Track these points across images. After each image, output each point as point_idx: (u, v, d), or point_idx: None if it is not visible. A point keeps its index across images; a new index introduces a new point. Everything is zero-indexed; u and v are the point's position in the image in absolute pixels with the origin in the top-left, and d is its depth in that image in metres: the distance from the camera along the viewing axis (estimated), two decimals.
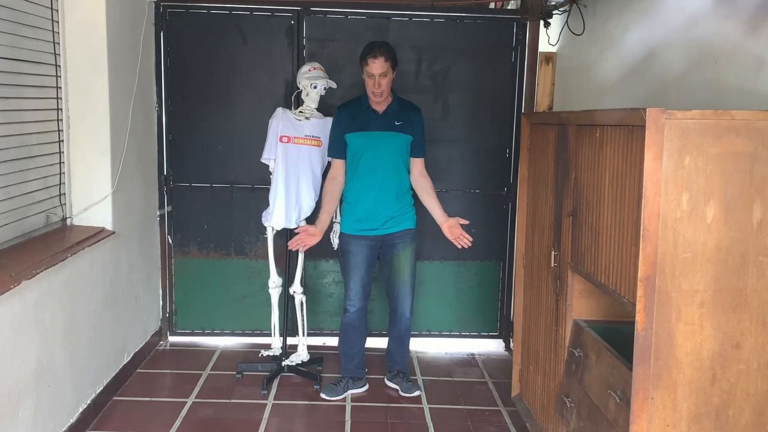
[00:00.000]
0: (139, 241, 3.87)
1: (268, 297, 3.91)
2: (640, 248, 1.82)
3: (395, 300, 3.59)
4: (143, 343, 4.00)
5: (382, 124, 3.43)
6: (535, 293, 2.99)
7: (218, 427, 3.25)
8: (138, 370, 3.85)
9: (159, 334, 4.28)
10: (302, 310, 3.88)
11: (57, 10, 3.13)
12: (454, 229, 3.44)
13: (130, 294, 3.76)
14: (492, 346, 4.42)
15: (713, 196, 1.83)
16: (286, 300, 3.89)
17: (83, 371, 3.16)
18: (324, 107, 3.81)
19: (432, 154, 3.69)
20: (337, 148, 3.53)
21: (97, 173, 3.36)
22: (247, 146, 4.12)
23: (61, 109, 3.20)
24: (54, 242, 2.92)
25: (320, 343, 4.31)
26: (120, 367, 3.63)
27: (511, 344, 3.90)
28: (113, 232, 3.40)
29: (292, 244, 3.51)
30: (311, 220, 3.71)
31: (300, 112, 3.72)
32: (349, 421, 3.36)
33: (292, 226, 3.71)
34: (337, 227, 3.76)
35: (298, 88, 3.76)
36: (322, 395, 3.59)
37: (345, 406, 3.53)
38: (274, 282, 3.85)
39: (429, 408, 3.54)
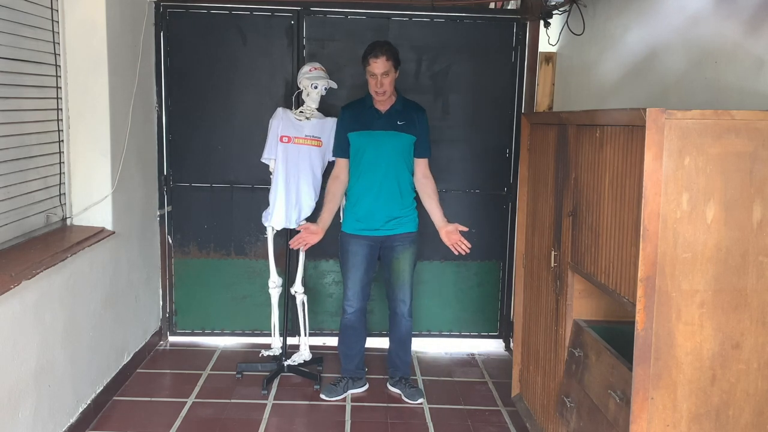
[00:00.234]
0: (139, 241, 3.87)
1: (268, 297, 3.91)
2: (640, 248, 1.82)
3: (394, 302, 3.59)
4: (143, 343, 4.00)
5: (384, 124, 3.43)
6: (535, 293, 2.99)
7: (218, 427, 3.25)
8: (138, 370, 3.85)
9: (159, 334, 4.28)
10: (304, 309, 3.88)
11: (57, 10, 3.13)
12: (452, 235, 3.43)
13: (130, 294, 3.76)
14: (492, 346, 4.42)
15: (713, 196, 1.83)
16: (287, 300, 3.89)
17: (83, 371, 3.16)
18: (324, 107, 3.81)
19: (432, 153, 3.67)
20: (340, 147, 3.53)
21: (97, 173, 3.36)
22: (247, 146, 4.12)
23: (61, 109, 3.20)
24: (54, 242, 2.92)
25: (320, 343, 4.31)
26: (120, 367, 3.63)
27: (511, 344, 3.90)
28: (113, 232, 3.40)
29: (294, 243, 3.51)
30: (311, 219, 3.72)
31: (300, 112, 3.73)
32: (349, 421, 3.36)
33: (292, 226, 3.71)
34: None
35: (299, 88, 3.76)
36: (322, 396, 3.59)
37: (345, 406, 3.53)
38: (274, 282, 3.85)
39: (429, 408, 3.54)
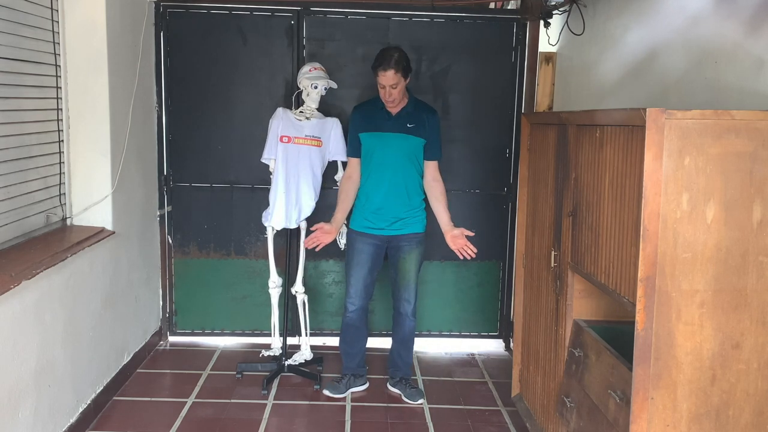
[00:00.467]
0: (139, 241, 3.87)
1: (268, 297, 3.91)
2: (640, 248, 1.82)
3: (398, 301, 3.60)
4: (143, 343, 4.00)
5: (394, 126, 3.44)
6: (535, 293, 2.99)
7: (218, 427, 3.25)
8: (138, 370, 3.85)
9: (159, 334, 4.28)
10: (304, 309, 3.88)
11: (57, 10, 3.13)
12: (457, 240, 3.44)
13: (130, 294, 3.76)
14: (492, 346, 4.42)
15: (713, 196, 1.83)
16: (287, 300, 3.89)
17: (83, 371, 3.16)
18: (324, 107, 3.81)
19: None
20: (352, 146, 3.55)
21: (97, 173, 3.36)
22: (247, 146, 4.12)
23: (61, 109, 3.20)
24: (54, 242, 2.92)
25: (320, 343, 4.31)
26: (120, 367, 3.63)
27: (511, 344, 3.90)
28: (113, 232, 3.40)
29: (308, 243, 3.53)
30: (311, 219, 3.72)
31: (300, 112, 3.73)
32: (349, 421, 3.36)
33: (292, 226, 3.71)
34: (344, 228, 3.74)
35: (299, 88, 3.76)
36: (325, 392, 3.61)
37: (345, 406, 3.53)
38: (274, 282, 3.85)
39: (429, 408, 3.54)
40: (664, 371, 1.88)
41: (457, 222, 3.55)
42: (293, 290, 3.86)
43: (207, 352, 4.18)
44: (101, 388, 3.37)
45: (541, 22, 4.06)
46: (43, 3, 3.00)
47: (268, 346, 3.98)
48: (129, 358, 3.76)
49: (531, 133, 3.08)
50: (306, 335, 3.90)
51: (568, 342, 2.52)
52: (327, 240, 3.50)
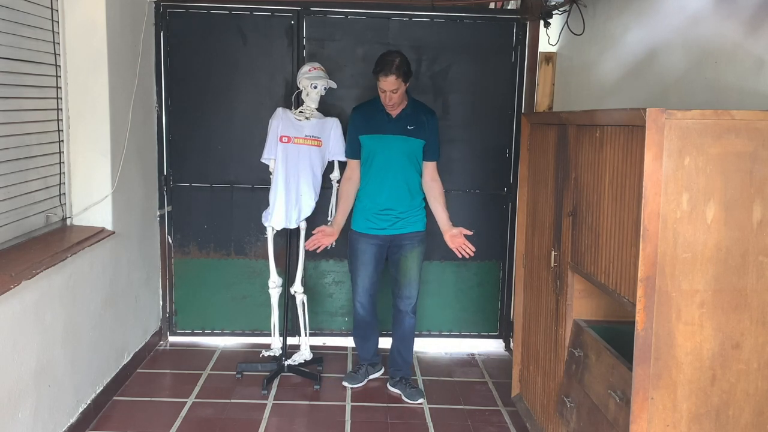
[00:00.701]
0: (139, 241, 3.87)
1: (268, 297, 3.91)
2: (640, 248, 1.82)
3: (399, 299, 3.61)
4: (143, 343, 4.00)
5: (395, 128, 3.45)
6: (535, 293, 2.99)
7: (218, 427, 3.25)
8: (138, 370, 3.85)
9: (159, 334, 4.28)
10: (304, 309, 3.88)
11: (57, 10, 3.13)
12: (456, 239, 3.46)
13: (130, 294, 3.76)
14: (492, 346, 4.42)
15: (713, 196, 1.83)
16: (287, 300, 3.89)
17: (83, 371, 3.16)
18: (324, 107, 3.81)
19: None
20: (351, 148, 3.57)
21: (97, 173, 3.36)
22: (247, 146, 4.12)
23: (61, 109, 3.20)
24: (54, 242, 2.92)
25: (320, 343, 4.32)
26: (120, 367, 3.63)
27: (511, 344, 3.90)
28: (113, 232, 3.40)
29: (309, 245, 3.56)
30: (311, 219, 3.72)
31: (300, 112, 3.73)
32: (349, 421, 3.36)
33: (292, 226, 3.71)
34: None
35: (299, 88, 3.76)
36: (344, 383, 3.73)
37: (345, 406, 3.53)
38: (274, 282, 3.85)
39: (429, 408, 3.54)
40: (664, 371, 1.88)
41: (457, 222, 3.56)
42: (292, 290, 3.85)
43: (207, 352, 4.18)
44: (101, 388, 3.37)
45: (541, 22, 4.06)
46: (43, 3, 3.00)
47: (268, 346, 3.98)
48: (129, 358, 3.76)
49: (531, 133, 3.08)
50: (305, 335, 3.90)
51: (568, 342, 2.52)
52: (328, 242, 3.55)
